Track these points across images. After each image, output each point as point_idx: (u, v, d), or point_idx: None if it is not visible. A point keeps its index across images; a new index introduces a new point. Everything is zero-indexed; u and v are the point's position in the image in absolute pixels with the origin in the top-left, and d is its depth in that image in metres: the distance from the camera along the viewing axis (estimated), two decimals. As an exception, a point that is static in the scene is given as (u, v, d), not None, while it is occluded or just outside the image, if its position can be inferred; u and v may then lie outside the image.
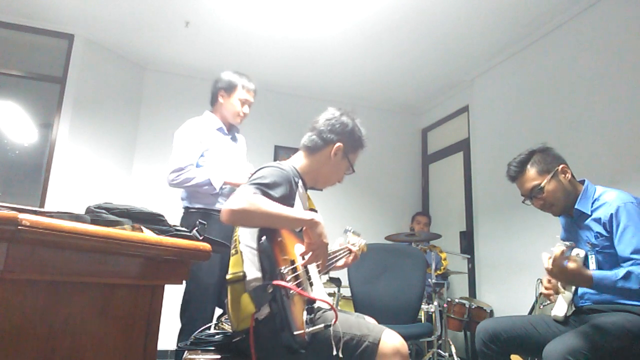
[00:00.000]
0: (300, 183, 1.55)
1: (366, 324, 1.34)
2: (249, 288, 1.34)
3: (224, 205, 1.24)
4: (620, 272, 1.55)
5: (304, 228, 1.35)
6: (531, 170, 1.83)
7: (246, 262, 1.39)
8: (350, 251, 1.84)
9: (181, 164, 2.23)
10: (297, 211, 1.35)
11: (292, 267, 1.30)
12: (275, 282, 1.16)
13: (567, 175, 1.82)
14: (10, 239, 0.72)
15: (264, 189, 1.32)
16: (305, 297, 1.29)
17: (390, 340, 1.29)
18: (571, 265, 1.52)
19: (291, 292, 1.21)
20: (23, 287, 0.78)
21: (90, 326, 0.87)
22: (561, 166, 1.82)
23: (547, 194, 1.81)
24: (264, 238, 1.23)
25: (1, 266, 0.72)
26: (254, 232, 1.39)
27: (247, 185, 1.33)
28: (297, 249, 1.40)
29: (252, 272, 1.37)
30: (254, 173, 1.44)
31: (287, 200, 1.40)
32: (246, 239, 1.42)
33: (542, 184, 1.80)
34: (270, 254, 1.21)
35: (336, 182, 1.67)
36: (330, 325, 1.22)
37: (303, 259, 1.36)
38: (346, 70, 4.47)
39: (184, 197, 2.34)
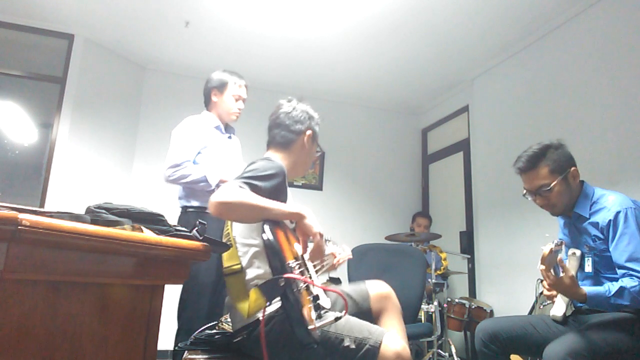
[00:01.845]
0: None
1: (368, 327, 1.33)
2: (251, 284, 1.34)
3: (211, 198, 1.24)
4: (613, 288, 1.57)
5: (296, 224, 1.34)
6: (544, 168, 1.78)
7: (242, 258, 1.40)
8: (335, 256, 1.88)
9: (178, 160, 2.23)
10: (284, 205, 1.34)
11: (298, 262, 1.30)
12: (287, 275, 1.15)
13: (576, 179, 1.80)
14: (10, 239, 0.72)
15: (253, 182, 1.33)
16: (321, 288, 1.29)
17: (392, 344, 1.28)
18: (566, 281, 1.55)
19: (300, 286, 1.20)
20: (23, 287, 0.78)
21: (90, 326, 0.87)
22: (573, 169, 1.79)
23: (554, 194, 1.77)
24: (267, 232, 1.20)
25: (1, 266, 0.72)
26: (249, 229, 1.40)
27: (235, 179, 1.34)
28: (297, 248, 1.40)
29: (251, 268, 1.37)
30: (246, 167, 1.44)
31: (281, 191, 1.41)
32: (239, 236, 1.42)
33: (552, 185, 1.76)
34: (277, 250, 1.19)
35: (308, 168, 1.74)
36: (340, 317, 1.21)
37: (303, 257, 1.36)
38: (346, 70, 4.47)
39: (182, 196, 2.34)
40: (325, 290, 1.30)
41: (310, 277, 1.38)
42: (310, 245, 1.37)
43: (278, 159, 1.59)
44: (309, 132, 1.62)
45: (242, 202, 1.24)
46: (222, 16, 3.63)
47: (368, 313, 1.55)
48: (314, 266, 1.46)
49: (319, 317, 1.21)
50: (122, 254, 0.90)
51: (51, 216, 0.81)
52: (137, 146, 4.39)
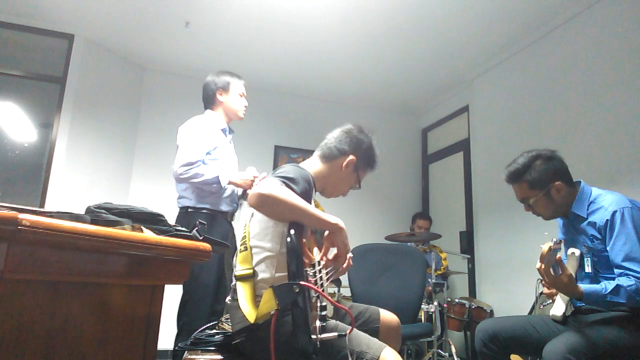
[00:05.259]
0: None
1: (366, 340, 1.32)
2: (262, 286, 1.34)
3: (253, 189, 1.27)
4: (610, 286, 1.58)
5: (327, 232, 1.35)
6: (524, 184, 1.83)
7: (255, 260, 1.39)
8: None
9: (191, 158, 2.21)
10: (323, 212, 1.35)
11: (313, 270, 1.30)
12: (302, 283, 1.15)
13: (560, 192, 1.80)
14: (10, 239, 0.72)
15: (288, 182, 1.35)
16: (332, 303, 1.29)
17: (390, 359, 1.28)
18: (564, 279, 1.57)
19: (312, 295, 1.20)
20: (23, 287, 0.78)
21: (90, 326, 0.87)
22: (557, 183, 1.79)
23: (535, 207, 1.85)
24: (292, 235, 1.21)
25: (1, 266, 0.72)
26: (264, 232, 1.40)
27: (273, 178, 1.36)
28: (315, 253, 1.40)
29: (262, 271, 1.37)
30: (276, 170, 1.47)
31: (306, 199, 1.41)
32: (255, 238, 1.42)
33: (531, 200, 1.83)
34: (298, 254, 1.20)
35: (341, 195, 1.70)
36: (344, 335, 1.21)
37: (319, 264, 1.36)
38: (346, 70, 4.47)
39: (189, 196, 2.30)
40: (334, 305, 1.29)
41: (322, 286, 1.39)
42: (329, 255, 1.39)
43: (310, 168, 1.59)
44: (350, 157, 1.61)
45: (285, 200, 1.26)
46: (222, 16, 3.63)
47: (373, 335, 1.55)
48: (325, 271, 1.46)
49: (323, 328, 1.21)
50: (122, 254, 0.90)
51: (51, 216, 0.81)
52: (137, 146, 4.39)
